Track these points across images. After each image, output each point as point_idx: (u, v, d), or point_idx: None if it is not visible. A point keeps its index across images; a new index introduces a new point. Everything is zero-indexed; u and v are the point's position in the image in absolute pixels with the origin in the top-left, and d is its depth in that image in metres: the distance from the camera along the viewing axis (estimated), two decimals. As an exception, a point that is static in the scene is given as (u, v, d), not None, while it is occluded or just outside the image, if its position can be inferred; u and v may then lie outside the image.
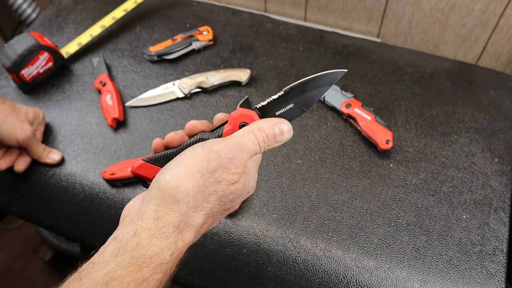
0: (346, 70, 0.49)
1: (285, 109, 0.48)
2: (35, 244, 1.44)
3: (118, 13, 0.95)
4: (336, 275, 0.66)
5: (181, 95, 0.85)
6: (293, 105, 0.48)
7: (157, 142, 0.49)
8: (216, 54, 0.93)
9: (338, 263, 0.67)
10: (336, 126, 0.81)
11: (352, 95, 0.81)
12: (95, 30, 0.93)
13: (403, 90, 0.85)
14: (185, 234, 0.42)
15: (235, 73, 0.86)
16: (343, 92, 0.82)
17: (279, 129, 0.46)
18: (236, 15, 1.00)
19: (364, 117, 0.77)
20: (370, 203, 0.72)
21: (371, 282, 0.65)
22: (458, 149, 0.77)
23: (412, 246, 0.67)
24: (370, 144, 0.78)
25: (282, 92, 0.47)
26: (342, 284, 0.66)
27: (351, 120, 0.79)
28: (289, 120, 0.48)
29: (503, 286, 0.64)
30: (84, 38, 0.93)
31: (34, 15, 1.14)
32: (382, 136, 0.75)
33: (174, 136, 0.48)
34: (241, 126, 0.47)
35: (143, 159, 0.47)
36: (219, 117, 0.49)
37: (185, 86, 0.85)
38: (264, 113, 0.48)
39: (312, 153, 0.78)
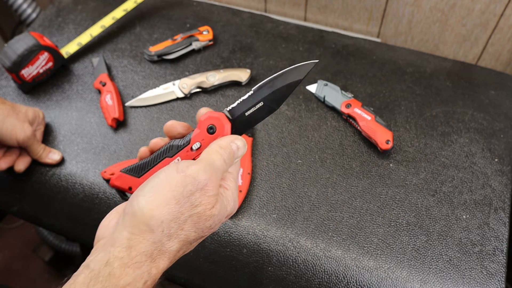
0: (317, 61, 0.48)
1: (255, 108, 0.47)
2: (35, 244, 1.44)
3: (118, 13, 0.95)
4: (336, 275, 0.66)
5: (181, 95, 0.85)
6: (262, 103, 0.47)
7: (143, 150, 0.49)
8: (216, 54, 0.93)
9: (338, 263, 0.67)
10: (336, 126, 0.81)
11: (352, 95, 0.81)
12: (95, 30, 0.93)
13: (403, 90, 0.85)
14: (159, 262, 0.40)
15: (235, 73, 0.86)
16: (343, 92, 0.82)
17: (235, 145, 0.46)
18: (236, 15, 1.00)
19: (364, 117, 0.77)
20: (370, 203, 0.72)
21: (371, 282, 0.65)
22: (458, 149, 0.77)
23: (412, 246, 0.67)
24: (370, 144, 0.78)
25: (251, 92, 0.46)
26: (342, 284, 0.66)
27: (351, 120, 0.79)
28: (261, 119, 0.47)
29: (503, 286, 0.64)
30: (84, 38, 0.93)
31: (34, 15, 1.14)
32: (382, 136, 0.75)
33: (158, 142, 0.48)
34: (208, 129, 0.46)
35: (121, 170, 0.46)
36: (202, 111, 0.48)
37: (185, 86, 0.85)
38: (234, 114, 0.47)
39: (312, 153, 0.78)
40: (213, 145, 0.45)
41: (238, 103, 0.47)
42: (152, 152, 0.48)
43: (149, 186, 0.42)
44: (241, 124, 0.47)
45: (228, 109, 0.47)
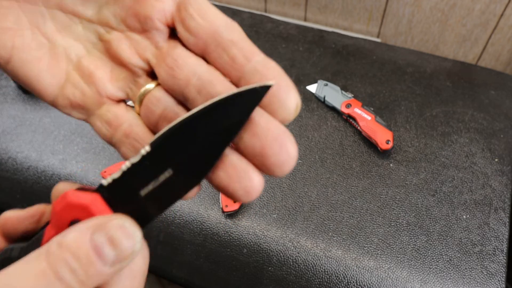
0: (272, 84, 0.22)
1: (158, 182, 0.23)
2: (35, 244, 1.43)
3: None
4: (336, 275, 0.66)
5: (181, 95, 0.85)
6: (172, 172, 0.23)
7: None
8: (216, 54, 0.93)
9: (338, 263, 0.67)
10: (336, 126, 0.81)
11: (352, 95, 0.81)
12: (95, 30, 0.93)
13: (403, 90, 0.85)
14: None
15: (235, 73, 0.86)
16: (343, 92, 0.82)
17: (106, 236, 0.21)
18: (236, 15, 1.00)
19: (364, 117, 0.77)
20: (370, 203, 0.72)
21: (371, 282, 0.65)
22: (458, 149, 0.77)
23: (412, 246, 0.67)
24: (370, 144, 0.78)
25: (148, 148, 0.23)
26: (342, 284, 0.66)
27: (351, 120, 0.79)
28: (175, 200, 0.24)
29: (503, 286, 0.64)
30: (84, 38, 0.92)
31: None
32: (382, 136, 0.75)
33: None
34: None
35: None
36: (58, 191, 0.27)
37: (185, 86, 0.85)
38: (118, 193, 0.23)
39: (312, 153, 0.78)
40: (51, 242, 0.21)
41: (123, 172, 0.23)
42: None
43: None
44: (134, 213, 0.23)
45: (105, 183, 0.23)
